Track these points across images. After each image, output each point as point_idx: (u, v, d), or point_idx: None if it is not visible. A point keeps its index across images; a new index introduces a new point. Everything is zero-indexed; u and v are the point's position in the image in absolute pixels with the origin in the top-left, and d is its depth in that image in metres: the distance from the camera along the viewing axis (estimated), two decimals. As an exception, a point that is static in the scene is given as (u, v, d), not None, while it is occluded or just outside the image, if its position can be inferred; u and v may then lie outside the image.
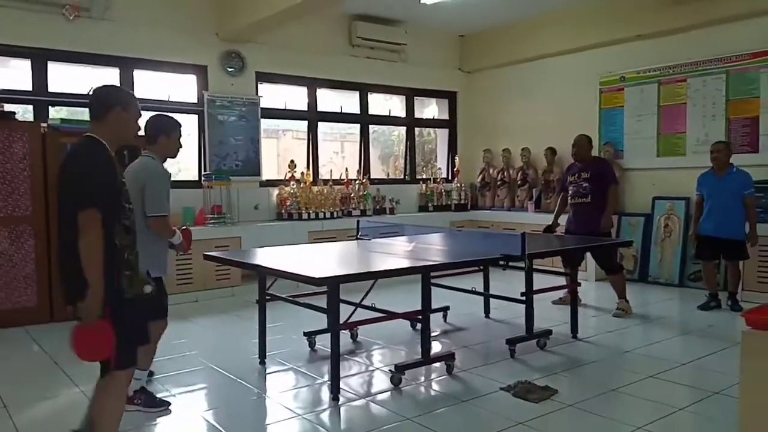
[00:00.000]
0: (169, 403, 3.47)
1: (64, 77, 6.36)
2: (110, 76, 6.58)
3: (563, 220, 5.95)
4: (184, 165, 7.22)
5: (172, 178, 7.37)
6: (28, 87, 6.11)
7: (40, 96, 6.13)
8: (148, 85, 6.82)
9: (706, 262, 5.81)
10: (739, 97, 6.52)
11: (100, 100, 2.65)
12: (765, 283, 5.80)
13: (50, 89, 6.21)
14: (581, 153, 5.74)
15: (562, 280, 5.59)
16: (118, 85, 2.74)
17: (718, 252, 5.76)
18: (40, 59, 6.13)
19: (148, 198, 3.36)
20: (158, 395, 3.56)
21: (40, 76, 6.14)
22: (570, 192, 5.82)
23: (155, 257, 3.37)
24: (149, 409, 3.38)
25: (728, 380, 3.64)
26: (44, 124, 5.65)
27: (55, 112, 6.27)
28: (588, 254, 6.09)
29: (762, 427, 2.29)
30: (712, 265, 5.82)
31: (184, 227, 3.76)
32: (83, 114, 6.46)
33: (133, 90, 6.63)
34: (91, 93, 2.70)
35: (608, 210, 5.57)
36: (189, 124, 7.13)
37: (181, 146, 3.65)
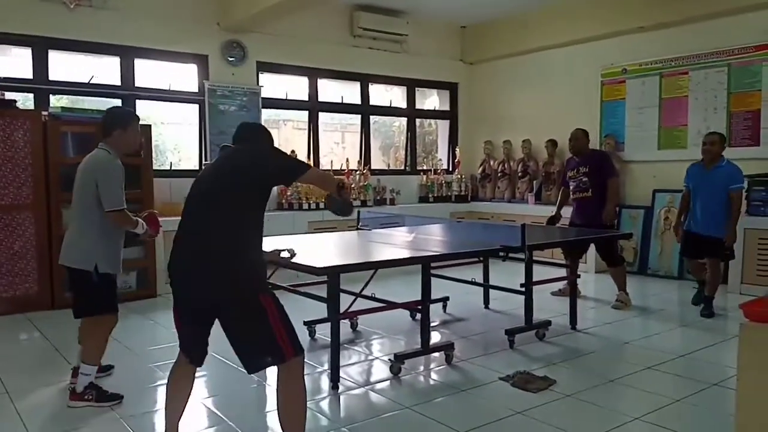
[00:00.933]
0: (122, 396, 3.39)
1: (64, 66, 6.35)
2: (111, 64, 6.57)
3: (567, 212, 5.95)
4: (185, 155, 7.23)
5: (173, 167, 7.40)
6: (29, 75, 6.11)
7: (40, 84, 6.12)
8: (149, 74, 6.80)
9: (689, 260, 5.68)
10: (741, 90, 6.51)
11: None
12: (764, 276, 5.81)
13: (51, 77, 6.20)
14: (578, 146, 5.71)
15: (561, 272, 5.60)
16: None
17: (701, 250, 5.43)
18: (40, 47, 6.12)
19: (103, 193, 3.24)
20: (158, 383, 3.58)
21: (40, 64, 6.13)
22: (571, 187, 5.82)
23: (107, 253, 3.34)
24: (101, 404, 3.31)
25: (726, 372, 3.67)
26: (45, 113, 5.65)
27: (56, 101, 6.26)
28: (590, 247, 6.11)
29: (759, 418, 2.31)
30: (697, 263, 5.59)
31: (147, 213, 3.68)
32: (84, 102, 6.47)
33: (134, 79, 6.66)
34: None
35: (609, 203, 5.56)
36: (190, 114, 7.13)
37: (139, 140, 3.55)
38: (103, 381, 3.56)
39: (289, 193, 7.30)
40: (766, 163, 6.13)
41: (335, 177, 2.80)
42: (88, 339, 3.43)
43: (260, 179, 2.49)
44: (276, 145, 2.86)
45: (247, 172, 2.48)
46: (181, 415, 2.71)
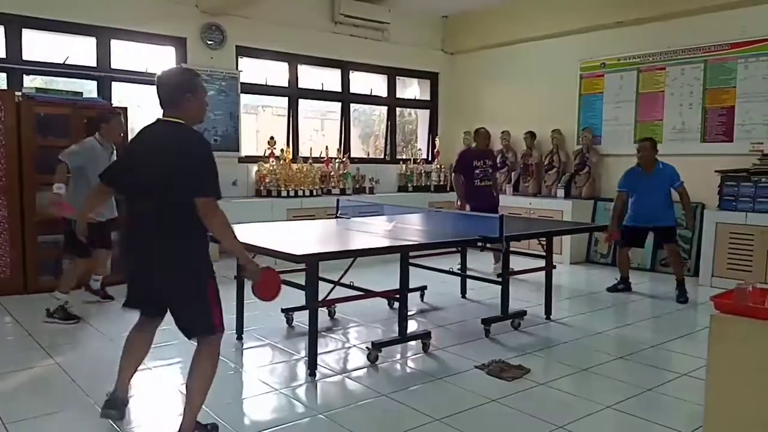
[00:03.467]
0: (79, 317, 4.55)
1: (39, 45, 6.21)
2: (87, 45, 6.43)
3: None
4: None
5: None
6: (2, 55, 5.96)
7: (14, 64, 5.98)
8: (126, 55, 6.67)
9: (623, 248, 5.97)
10: (716, 87, 6.63)
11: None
12: (734, 269, 5.94)
13: (25, 57, 6.06)
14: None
15: (537, 262, 5.67)
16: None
17: (640, 239, 5.95)
18: (14, 26, 5.97)
19: None
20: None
21: (14, 43, 5.98)
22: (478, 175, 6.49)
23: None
24: (67, 322, 4.46)
25: (696, 363, 3.76)
26: (19, 93, 5.52)
27: (29, 81, 6.12)
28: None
29: (727, 407, 2.37)
30: (627, 251, 5.96)
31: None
32: (58, 83, 6.33)
33: (110, 60, 6.53)
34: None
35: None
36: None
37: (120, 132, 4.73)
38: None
39: (268, 180, 7.26)
40: (739, 158, 6.25)
41: (243, 253, 2.69)
42: (68, 272, 4.77)
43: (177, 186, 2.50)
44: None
45: (169, 174, 2.50)
46: (132, 374, 2.94)
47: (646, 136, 6.40)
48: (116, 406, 2.89)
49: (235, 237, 2.58)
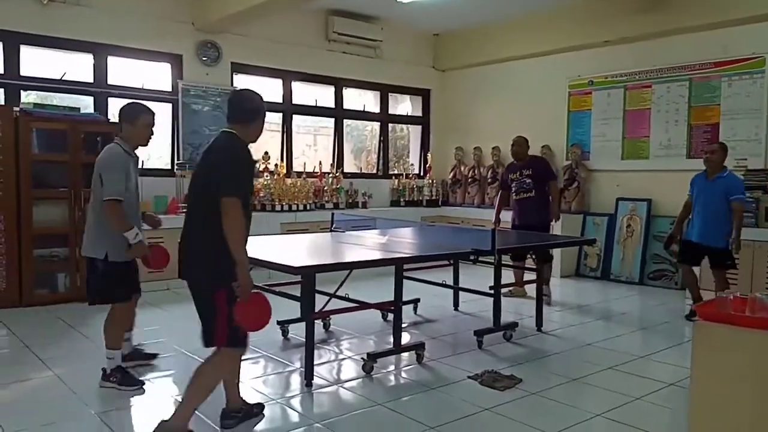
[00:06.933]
0: (143, 383, 3.57)
1: (36, 61, 6.28)
2: (84, 61, 6.51)
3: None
4: (155, 153, 7.19)
5: (144, 166, 7.30)
6: (0, 70, 6.03)
7: (11, 80, 6.05)
8: (122, 72, 6.76)
9: (686, 266, 5.56)
10: (701, 104, 6.80)
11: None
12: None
13: (22, 73, 6.13)
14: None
15: (528, 275, 5.78)
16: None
17: (700, 258, 5.46)
18: (12, 42, 6.04)
19: (105, 183, 3.45)
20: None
21: (12, 59, 6.05)
22: (514, 188, 6.21)
23: (116, 242, 3.49)
24: (124, 388, 3.50)
25: (683, 373, 3.84)
26: (16, 108, 5.58)
27: (25, 97, 6.18)
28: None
29: (711, 413, 2.46)
30: (691, 271, 5.53)
31: (155, 245, 3.86)
32: (55, 99, 6.40)
33: (106, 76, 6.61)
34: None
35: (554, 202, 6.01)
36: (163, 113, 7.09)
37: (148, 134, 3.69)
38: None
39: (262, 194, 7.33)
40: (723, 174, 6.38)
41: (244, 261, 2.66)
42: (107, 326, 3.60)
43: (211, 185, 2.67)
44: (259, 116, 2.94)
45: (208, 174, 2.72)
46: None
47: (637, 151, 6.45)
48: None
49: (243, 244, 2.65)
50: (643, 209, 7.13)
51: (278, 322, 4.64)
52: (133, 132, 3.58)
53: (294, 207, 7.43)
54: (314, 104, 8.47)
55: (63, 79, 6.38)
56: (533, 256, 5.35)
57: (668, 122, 7.06)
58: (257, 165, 7.03)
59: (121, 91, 6.70)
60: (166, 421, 2.74)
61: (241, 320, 2.65)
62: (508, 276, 5.02)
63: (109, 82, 6.64)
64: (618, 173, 7.47)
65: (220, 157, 2.72)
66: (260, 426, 3.19)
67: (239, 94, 2.97)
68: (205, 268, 2.74)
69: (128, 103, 3.70)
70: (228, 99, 2.96)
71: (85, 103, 6.46)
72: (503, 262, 4.60)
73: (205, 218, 2.68)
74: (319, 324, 4.84)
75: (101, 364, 3.94)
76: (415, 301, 5.56)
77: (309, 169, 8.01)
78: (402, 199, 8.86)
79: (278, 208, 7.30)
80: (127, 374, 3.57)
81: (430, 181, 9.12)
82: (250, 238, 2.75)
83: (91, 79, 6.54)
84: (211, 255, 2.68)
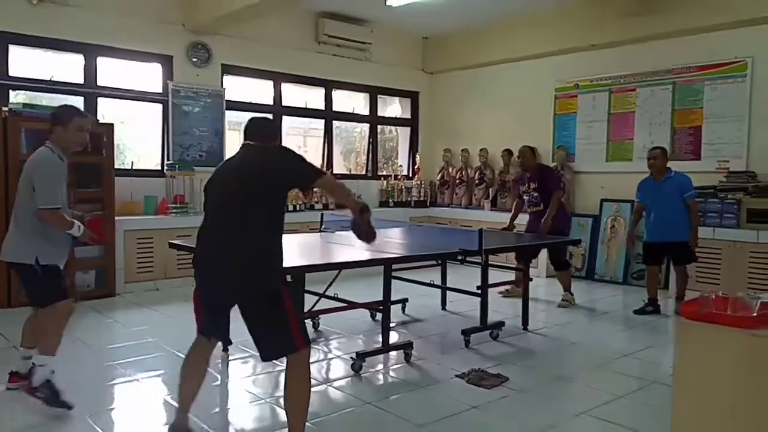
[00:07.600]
0: (71, 407, 3.23)
1: (25, 61, 6.27)
2: (73, 62, 6.51)
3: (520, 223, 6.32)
4: (144, 154, 7.19)
5: (135, 167, 7.27)
6: (-12, 70, 6.02)
7: (0, 79, 6.03)
8: (112, 72, 6.76)
9: (651, 267, 5.82)
10: (684, 108, 6.91)
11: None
12: (704, 283, 6.13)
13: (11, 73, 6.11)
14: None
15: (513, 276, 5.86)
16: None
17: (663, 256, 5.84)
18: (1, 42, 6.02)
19: (38, 190, 3.23)
20: (117, 380, 3.62)
21: (1, 59, 6.03)
22: (525, 201, 6.18)
23: (46, 245, 3.29)
24: (50, 407, 3.22)
25: (666, 370, 3.93)
26: (5, 108, 5.57)
27: (14, 97, 6.17)
28: (540, 252, 6.41)
29: (693, 410, 2.52)
30: (656, 270, 5.83)
31: (89, 216, 3.70)
32: (44, 99, 6.39)
33: (96, 77, 6.60)
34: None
35: (548, 214, 5.85)
36: (153, 114, 7.10)
37: (81, 139, 3.43)
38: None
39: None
40: (707, 175, 6.50)
41: (358, 201, 2.95)
42: (45, 331, 3.36)
43: (281, 183, 2.69)
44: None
45: (271, 175, 2.67)
46: (194, 398, 2.84)
47: (621, 154, 6.57)
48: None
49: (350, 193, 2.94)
50: (627, 210, 7.22)
51: (268, 322, 4.67)
52: (66, 135, 3.35)
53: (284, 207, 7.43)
54: (304, 106, 8.51)
55: (52, 79, 6.36)
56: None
57: (652, 125, 7.17)
58: None
59: (111, 92, 6.71)
60: None
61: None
62: (497, 276, 5.07)
63: (99, 82, 6.64)
64: (602, 175, 7.57)
65: (283, 156, 2.75)
66: (249, 425, 3.23)
67: (262, 121, 3.09)
68: (268, 272, 2.66)
69: (61, 105, 3.55)
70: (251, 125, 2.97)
71: (75, 104, 6.44)
72: (490, 263, 4.67)
73: (251, 222, 2.61)
74: (308, 323, 4.87)
75: (86, 365, 3.91)
76: (404, 301, 5.62)
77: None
78: (391, 200, 8.91)
79: (267, 208, 7.30)
80: (55, 393, 3.24)
81: (419, 182, 9.19)
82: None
83: (81, 80, 6.53)
84: (269, 258, 2.67)
